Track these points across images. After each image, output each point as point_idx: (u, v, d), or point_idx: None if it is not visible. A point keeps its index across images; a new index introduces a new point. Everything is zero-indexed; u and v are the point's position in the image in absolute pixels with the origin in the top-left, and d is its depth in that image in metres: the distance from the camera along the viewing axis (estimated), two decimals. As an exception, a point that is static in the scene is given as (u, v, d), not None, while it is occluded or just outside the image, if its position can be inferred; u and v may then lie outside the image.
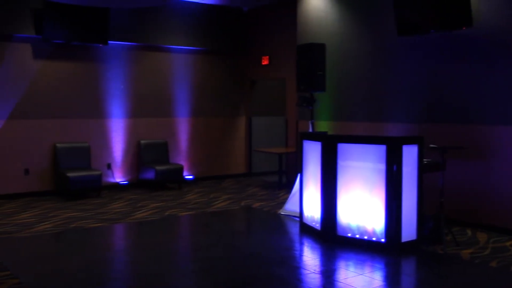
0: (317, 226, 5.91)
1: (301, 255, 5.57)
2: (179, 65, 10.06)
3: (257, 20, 10.63)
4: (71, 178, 8.11)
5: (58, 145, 8.65)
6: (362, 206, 5.50)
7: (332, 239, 5.69)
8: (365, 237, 5.47)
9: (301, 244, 5.94)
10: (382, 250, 5.32)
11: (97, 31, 8.66)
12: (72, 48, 8.84)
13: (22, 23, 8.25)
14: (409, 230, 5.41)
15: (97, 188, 8.49)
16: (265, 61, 10.41)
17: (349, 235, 5.58)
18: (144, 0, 6.92)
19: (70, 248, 5.72)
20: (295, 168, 9.32)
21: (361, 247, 5.45)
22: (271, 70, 10.39)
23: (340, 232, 5.66)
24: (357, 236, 5.53)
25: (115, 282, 4.71)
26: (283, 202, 7.94)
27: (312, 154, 6.04)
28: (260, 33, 10.56)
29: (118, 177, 9.38)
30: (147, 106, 9.70)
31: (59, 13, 8.26)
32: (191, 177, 10.10)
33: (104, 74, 9.22)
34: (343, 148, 5.62)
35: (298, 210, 6.58)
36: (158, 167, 9.03)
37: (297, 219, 6.67)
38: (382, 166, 5.33)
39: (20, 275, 4.61)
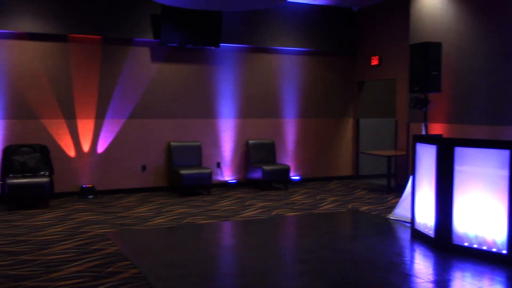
0: (430, 233, 5.65)
1: (412, 262, 5.36)
2: (287, 66, 10.14)
3: (367, 19, 10.41)
4: (184, 176, 8.48)
5: (172, 143, 9.08)
6: (481, 215, 5.16)
7: (447, 247, 5.41)
8: (484, 248, 5.14)
9: (413, 251, 5.71)
10: (504, 262, 4.96)
11: (209, 34, 8.99)
12: (186, 51, 9.24)
13: (142, 28, 8.78)
14: (534, 242, 4.99)
15: (207, 185, 8.80)
16: (374, 62, 10.17)
17: (466, 244, 5.27)
18: (258, 2, 7.04)
19: (183, 242, 5.96)
20: (405, 172, 9.00)
21: (479, 257, 5.12)
22: (381, 71, 10.12)
23: (455, 241, 5.36)
24: (475, 246, 5.20)
25: (225, 277, 4.85)
26: (392, 207, 7.70)
27: (426, 158, 5.78)
28: (370, 33, 10.33)
29: (227, 176, 9.65)
30: (256, 107, 9.88)
31: (175, 18, 8.68)
32: (297, 177, 10.13)
33: (215, 75, 9.53)
34: (461, 152, 5.31)
35: (409, 215, 6.34)
36: (266, 167, 9.16)
37: (408, 224, 6.43)
38: (505, 172, 4.96)
39: (139, 265, 4.89)
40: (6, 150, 7.93)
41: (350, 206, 7.98)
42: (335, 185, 10.05)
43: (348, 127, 10.81)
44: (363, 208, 7.78)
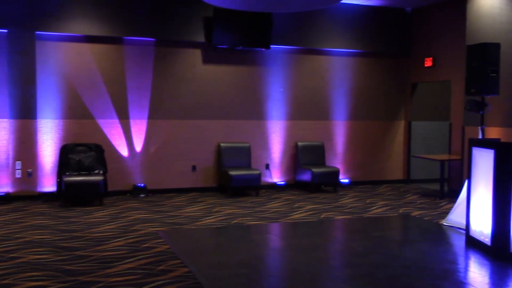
0: (487, 241, 5.45)
1: (467, 270, 5.18)
2: (338, 68, 10.04)
3: (421, 20, 10.16)
4: (233, 177, 8.54)
5: (222, 144, 9.16)
6: (542, 223, 4.94)
7: (504, 256, 5.20)
8: (545, 258, 4.92)
9: (467, 258, 5.53)
10: None
11: (260, 36, 9.02)
12: (236, 53, 9.30)
13: (193, 30, 8.90)
14: None
15: (256, 187, 8.83)
16: (428, 63, 9.92)
17: (525, 253, 5.06)
18: (312, 3, 7.00)
19: (231, 242, 6.00)
20: (459, 176, 8.74)
21: (539, 268, 4.91)
22: (434, 72, 9.86)
23: (514, 250, 5.16)
24: (535, 255, 4.99)
25: (273, 279, 4.84)
26: (445, 212, 7.49)
27: (483, 163, 5.59)
28: (424, 33, 10.08)
29: (276, 177, 9.64)
30: (305, 109, 9.83)
31: (226, 20, 8.77)
32: (346, 180, 10.00)
33: (265, 77, 9.55)
34: (521, 157, 5.10)
35: (463, 221, 6.15)
36: (315, 169, 9.10)
37: (462, 231, 6.23)
38: None
39: (189, 265, 4.95)
40: (63, 149, 8.22)
41: (401, 210, 7.82)
42: (385, 189, 9.87)
43: (399, 130, 10.59)
44: (415, 213, 7.60)
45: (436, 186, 9.69)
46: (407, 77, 10.50)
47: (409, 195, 9.19)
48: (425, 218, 7.27)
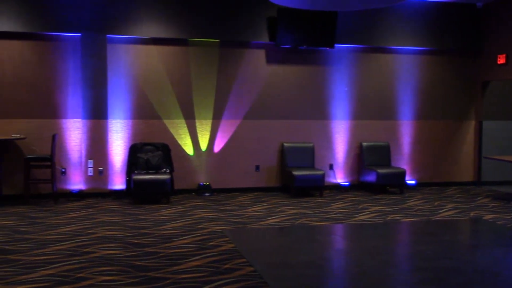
0: None
1: (546, 278, 4.91)
2: (404, 66, 9.78)
3: (493, 15, 9.73)
4: (297, 177, 8.51)
5: (285, 144, 9.16)
6: None
7: None
8: None
9: (546, 266, 5.24)
10: None
11: (324, 35, 8.94)
12: (300, 52, 9.26)
13: (257, 30, 8.95)
14: None
15: (319, 187, 8.76)
16: (501, 60, 9.48)
17: None
18: (378, 1, 6.88)
19: (296, 243, 5.98)
20: (536, 179, 8.29)
21: None
22: (508, 70, 9.41)
23: None
24: None
25: (338, 281, 4.79)
26: (520, 217, 7.14)
27: None
28: (497, 29, 9.64)
29: (339, 178, 9.53)
30: (370, 108, 9.65)
31: (290, 19, 8.75)
32: (413, 182, 9.73)
33: (329, 76, 9.46)
34: None
35: (541, 227, 5.83)
36: (380, 170, 8.91)
37: (540, 237, 5.92)
38: None
39: (255, 264, 4.98)
40: (132, 148, 8.50)
41: (472, 214, 7.52)
42: (454, 191, 9.52)
43: (469, 130, 10.18)
44: (487, 217, 7.28)
45: (509, 189, 9.26)
46: (478, 75, 10.08)
47: (480, 198, 8.83)
48: (498, 222, 6.95)
